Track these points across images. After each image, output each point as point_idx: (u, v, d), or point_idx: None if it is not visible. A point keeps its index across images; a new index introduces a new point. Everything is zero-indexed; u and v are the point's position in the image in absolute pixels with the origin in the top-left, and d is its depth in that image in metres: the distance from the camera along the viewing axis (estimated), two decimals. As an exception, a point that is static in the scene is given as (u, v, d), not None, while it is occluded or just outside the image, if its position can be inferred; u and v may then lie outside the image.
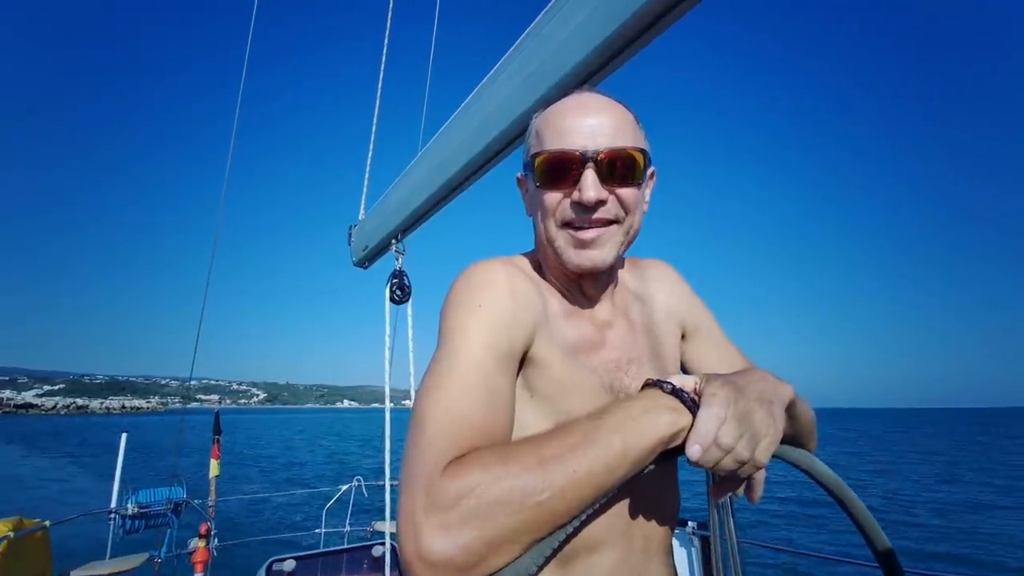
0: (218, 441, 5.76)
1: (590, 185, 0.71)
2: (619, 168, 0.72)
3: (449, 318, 0.70)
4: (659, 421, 0.57)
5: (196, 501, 5.38)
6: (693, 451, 0.56)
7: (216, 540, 4.81)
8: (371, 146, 2.06)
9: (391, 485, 1.96)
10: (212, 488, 5.55)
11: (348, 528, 5.55)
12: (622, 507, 0.75)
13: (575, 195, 0.72)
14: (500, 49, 1.15)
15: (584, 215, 0.73)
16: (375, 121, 2.10)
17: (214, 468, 5.68)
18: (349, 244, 2.12)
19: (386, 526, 2.63)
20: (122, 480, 5.18)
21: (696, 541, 2.56)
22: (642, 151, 0.75)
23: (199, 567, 4.51)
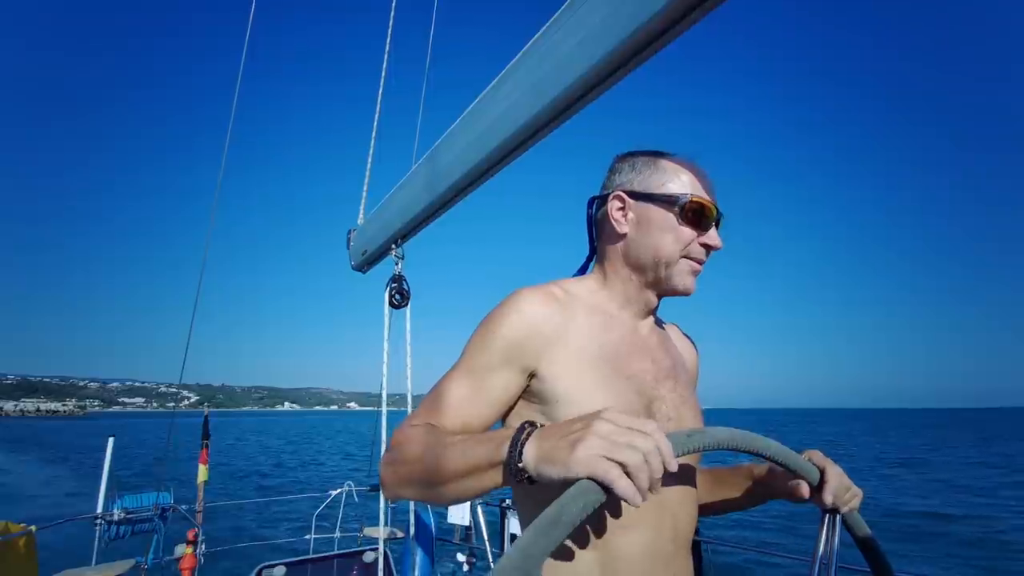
0: (206, 446, 5.70)
1: (718, 239, 0.96)
2: (717, 228, 0.98)
3: (472, 338, 0.91)
4: (488, 450, 0.70)
5: (183, 507, 5.31)
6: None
7: (204, 546, 4.75)
8: (371, 150, 2.06)
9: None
10: (200, 493, 5.48)
11: (338, 534, 5.51)
12: (655, 497, 0.80)
13: (705, 239, 0.95)
14: (502, 56, 1.16)
15: (703, 255, 0.97)
16: (375, 125, 2.11)
17: (202, 473, 5.62)
18: (348, 248, 2.12)
19: (378, 531, 2.61)
20: (108, 485, 5.10)
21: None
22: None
23: (186, 573, 4.45)
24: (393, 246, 1.82)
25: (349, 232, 2.13)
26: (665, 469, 0.60)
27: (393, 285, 1.85)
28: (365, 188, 2.06)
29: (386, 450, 0.90)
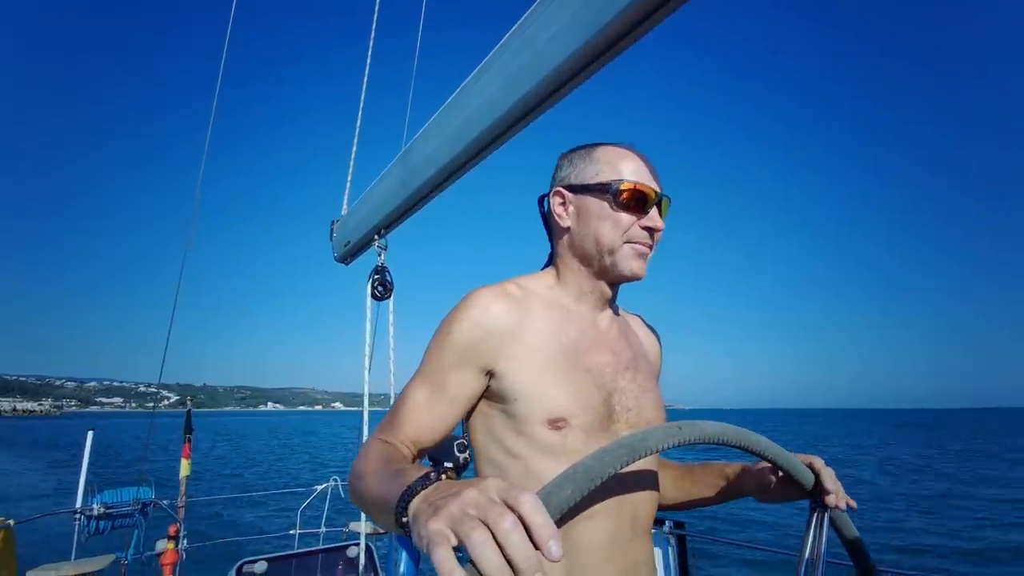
0: (189, 440, 5.64)
1: (659, 219, 0.97)
2: (664, 210, 0.99)
3: (431, 340, 0.93)
4: (392, 491, 0.63)
5: (165, 501, 5.25)
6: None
7: (186, 541, 4.71)
8: (355, 139, 2.05)
9: None
10: (182, 488, 5.42)
11: (323, 529, 5.47)
12: (615, 485, 0.88)
13: (645, 221, 0.95)
14: (488, 45, 1.16)
15: (647, 238, 0.97)
16: (360, 115, 2.09)
17: (184, 468, 5.55)
18: (331, 239, 2.11)
19: (361, 526, 2.60)
20: (87, 479, 5.03)
21: (673, 540, 2.61)
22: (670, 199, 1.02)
23: (168, 569, 4.40)
24: (376, 236, 1.81)
25: (332, 223, 2.12)
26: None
27: (376, 276, 1.84)
28: (349, 178, 2.05)
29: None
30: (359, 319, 1.89)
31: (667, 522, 2.62)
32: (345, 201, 2.06)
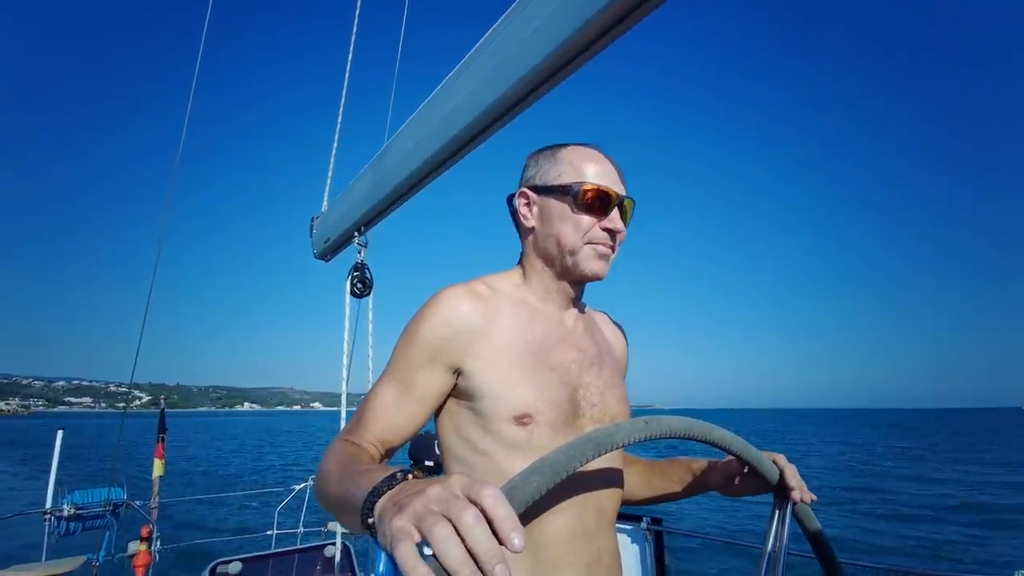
0: (163, 439, 5.53)
1: (619, 221, 0.97)
2: (627, 212, 1.00)
3: (399, 339, 0.94)
4: (355, 492, 0.64)
5: (137, 502, 5.14)
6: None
7: (159, 543, 4.62)
8: (336, 134, 2.04)
9: None
10: (155, 489, 5.32)
11: (301, 529, 5.40)
12: (578, 479, 0.91)
13: (606, 223, 0.96)
14: (472, 40, 1.17)
15: (608, 239, 0.97)
16: (340, 111, 2.08)
17: (158, 468, 5.44)
18: (311, 236, 2.09)
19: (339, 526, 2.58)
20: (57, 480, 4.91)
21: (650, 536, 2.65)
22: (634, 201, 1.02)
23: (140, 571, 4.32)
24: (356, 233, 1.80)
25: (312, 220, 2.10)
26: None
27: (355, 274, 1.83)
28: (330, 174, 2.04)
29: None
30: (339, 317, 1.88)
31: (645, 518, 2.66)
32: (325, 198, 2.05)
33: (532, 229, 1.02)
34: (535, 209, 1.02)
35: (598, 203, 0.96)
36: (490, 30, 1.08)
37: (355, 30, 2.05)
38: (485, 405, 0.90)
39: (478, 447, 0.91)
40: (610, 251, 0.99)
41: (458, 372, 0.92)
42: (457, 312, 0.91)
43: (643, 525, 2.64)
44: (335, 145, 2.05)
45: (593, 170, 0.97)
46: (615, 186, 0.98)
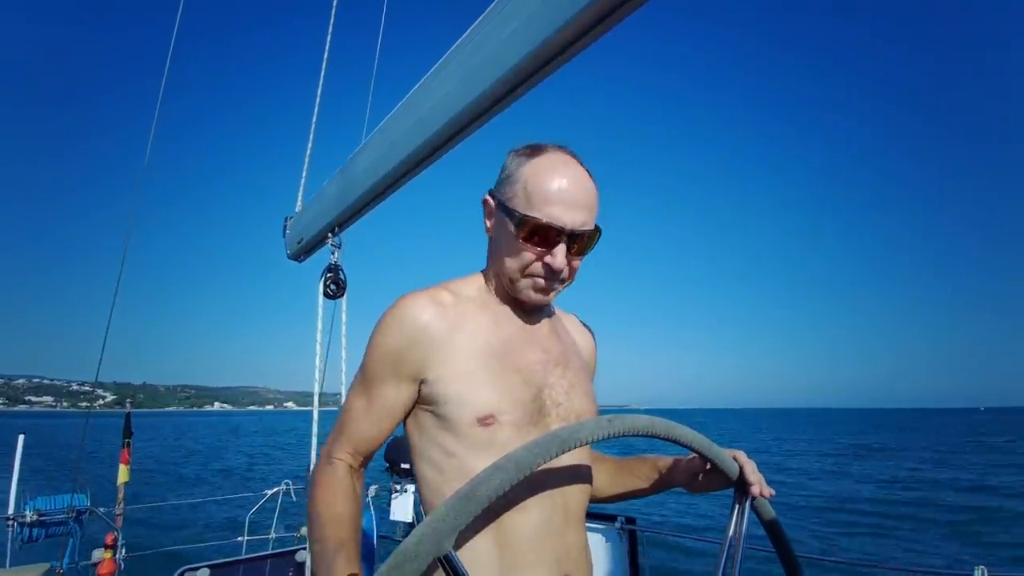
0: (128, 444, 5.38)
1: (560, 259, 0.90)
2: (581, 245, 0.93)
3: (365, 351, 0.95)
4: None
5: (101, 509, 4.99)
6: None
7: (124, 550, 4.49)
8: (311, 135, 2.01)
9: None
10: (120, 495, 5.17)
11: (273, 535, 5.29)
12: (546, 477, 0.91)
13: (547, 259, 0.91)
14: (450, 39, 1.16)
15: (549, 275, 0.93)
16: (316, 110, 2.04)
17: (123, 474, 5.30)
18: (284, 236, 2.05)
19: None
20: (20, 485, 4.75)
21: (624, 535, 2.68)
22: (599, 230, 0.95)
23: (104, 579, 4.19)
24: (330, 234, 1.78)
25: (286, 220, 2.07)
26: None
27: (328, 275, 1.81)
28: (304, 174, 2.01)
29: (312, 472, 0.99)
30: (313, 317, 1.86)
31: (619, 518, 2.69)
32: (299, 198, 2.02)
33: (491, 238, 1.01)
34: (493, 220, 0.99)
35: (541, 238, 0.90)
36: (469, 29, 1.07)
37: (331, 27, 2.03)
38: (449, 410, 0.90)
39: (446, 449, 0.92)
40: (548, 285, 0.95)
41: (421, 381, 0.92)
42: (417, 323, 0.91)
43: (617, 525, 2.68)
44: (310, 144, 2.02)
45: (546, 196, 0.89)
46: (567, 216, 0.89)
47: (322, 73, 2.08)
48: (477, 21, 1.05)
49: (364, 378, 0.94)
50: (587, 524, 1.02)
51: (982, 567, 2.10)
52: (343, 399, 1.88)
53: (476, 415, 0.89)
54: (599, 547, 2.68)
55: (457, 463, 0.90)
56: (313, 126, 2.04)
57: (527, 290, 0.95)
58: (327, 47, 2.06)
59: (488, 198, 1.00)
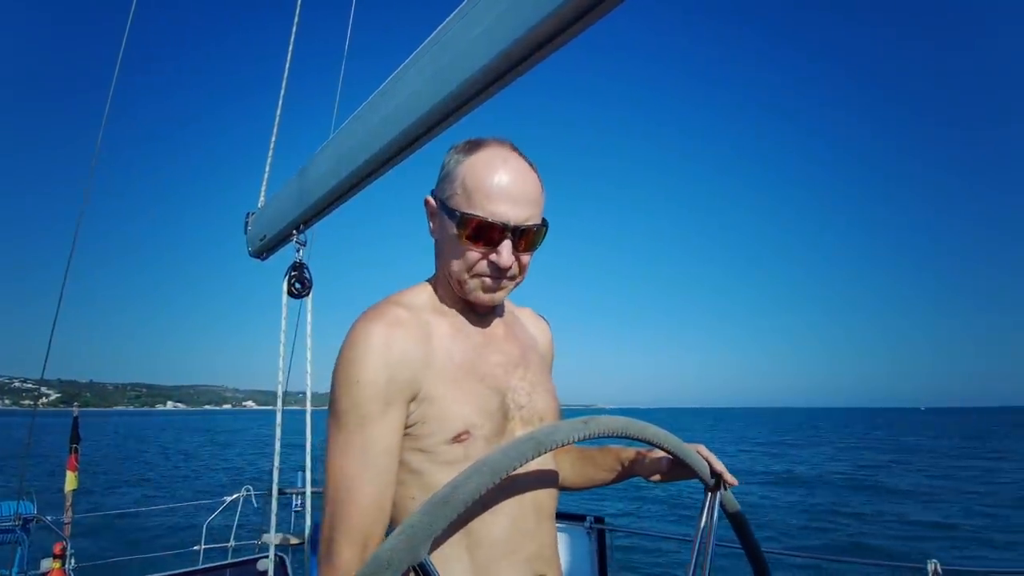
0: (76, 450, 5.15)
1: (507, 256, 0.87)
2: (528, 240, 0.91)
3: (338, 396, 0.84)
4: None
5: (49, 518, 4.76)
6: None
7: (73, 560, 4.29)
8: (275, 128, 1.95)
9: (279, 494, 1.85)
10: (68, 503, 4.94)
11: (232, 544, 5.12)
12: (516, 478, 0.90)
13: (493, 257, 0.88)
14: (419, 37, 1.14)
15: (496, 273, 0.90)
16: (280, 101, 1.98)
17: (71, 481, 5.08)
18: (245, 233, 1.98)
19: (271, 538, 2.47)
20: None
21: (593, 534, 2.70)
22: (545, 224, 0.93)
23: (54, 590, 4.00)
24: (295, 231, 1.72)
25: (247, 216, 2.00)
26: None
27: (293, 273, 1.76)
28: (267, 167, 1.94)
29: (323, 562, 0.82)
30: (275, 316, 1.80)
31: (588, 517, 2.72)
32: (262, 193, 1.95)
33: (436, 240, 0.97)
34: (436, 222, 0.96)
35: (484, 237, 0.87)
36: (439, 27, 1.05)
37: (297, 16, 1.98)
38: (423, 429, 0.87)
39: (411, 467, 0.88)
40: (497, 283, 0.92)
41: (412, 400, 0.87)
42: (393, 349, 0.85)
43: (586, 524, 2.70)
44: (273, 138, 1.96)
45: (487, 194, 0.87)
46: (511, 212, 0.87)
47: (286, 67, 2.03)
48: (447, 19, 1.03)
49: (348, 428, 0.82)
50: (556, 524, 1.03)
51: (934, 561, 2.19)
52: (308, 399, 1.84)
53: (453, 433, 0.87)
54: (567, 547, 2.70)
55: (421, 479, 0.88)
56: (277, 120, 1.98)
57: (476, 291, 0.92)
58: (292, 38, 2.00)
59: (429, 199, 0.97)
